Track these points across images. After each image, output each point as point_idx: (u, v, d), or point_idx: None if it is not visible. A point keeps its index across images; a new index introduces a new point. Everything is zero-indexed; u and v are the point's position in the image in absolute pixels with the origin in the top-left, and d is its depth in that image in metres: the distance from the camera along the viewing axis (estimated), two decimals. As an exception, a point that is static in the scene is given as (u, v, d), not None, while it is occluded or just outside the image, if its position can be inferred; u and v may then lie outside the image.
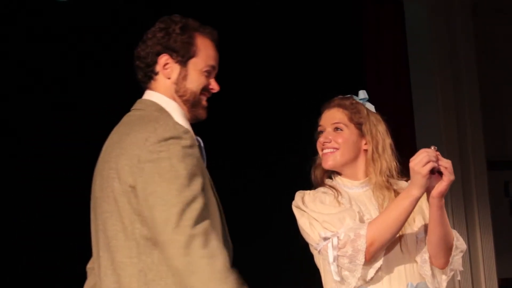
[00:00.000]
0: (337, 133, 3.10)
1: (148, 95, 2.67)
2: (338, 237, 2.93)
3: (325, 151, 3.11)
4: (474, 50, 5.82)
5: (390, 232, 2.92)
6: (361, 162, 3.13)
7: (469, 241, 5.55)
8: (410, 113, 5.58)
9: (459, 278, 3.10)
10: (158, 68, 2.65)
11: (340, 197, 3.07)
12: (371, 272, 2.96)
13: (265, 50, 5.03)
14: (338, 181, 3.16)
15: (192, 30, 2.67)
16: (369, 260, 2.93)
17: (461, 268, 3.07)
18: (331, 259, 2.92)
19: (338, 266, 2.93)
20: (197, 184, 2.44)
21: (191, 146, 2.48)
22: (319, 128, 3.16)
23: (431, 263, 3.01)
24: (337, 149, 3.09)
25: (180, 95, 2.65)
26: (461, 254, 3.04)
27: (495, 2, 6.03)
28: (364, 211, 3.07)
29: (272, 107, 5.04)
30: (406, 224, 3.02)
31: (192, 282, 2.37)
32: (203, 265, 2.36)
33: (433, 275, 3.03)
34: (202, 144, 2.64)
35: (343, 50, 5.46)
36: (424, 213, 3.08)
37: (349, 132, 3.09)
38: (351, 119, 3.11)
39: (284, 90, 5.06)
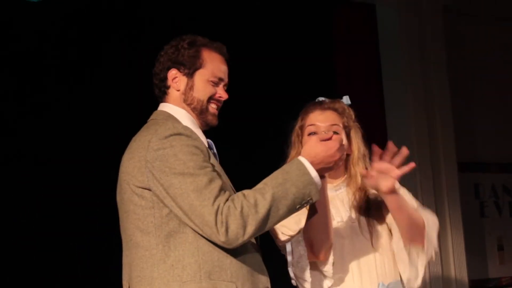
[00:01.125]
0: (334, 136, 3.13)
1: (161, 106, 2.91)
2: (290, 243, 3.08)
3: None
4: (445, 53, 5.86)
5: (319, 230, 2.99)
6: (343, 165, 3.18)
7: (440, 242, 5.55)
8: (381, 116, 5.60)
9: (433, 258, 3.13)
10: (169, 82, 2.88)
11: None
12: (329, 268, 3.04)
13: (237, 49, 5.02)
14: None
15: (199, 45, 2.90)
16: (323, 258, 3.03)
17: (436, 247, 3.13)
18: (288, 264, 3.08)
19: (292, 271, 3.06)
20: (208, 169, 2.63)
21: (193, 140, 2.68)
22: (312, 129, 3.18)
23: (410, 245, 3.05)
24: None
25: (188, 103, 2.86)
26: (435, 228, 3.12)
27: (465, 5, 6.07)
28: (335, 214, 3.15)
29: (239, 107, 5.02)
30: (376, 220, 3.08)
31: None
32: (240, 228, 2.57)
33: (411, 261, 3.06)
34: (213, 147, 2.90)
35: (314, 52, 5.46)
36: None
37: (341, 135, 3.14)
38: (343, 124, 3.19)
39: (251, 91, 5.05)
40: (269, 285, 2.77)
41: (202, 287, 2.61)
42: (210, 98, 2.86)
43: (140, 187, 2.68)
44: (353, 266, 3.11)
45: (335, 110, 3.21)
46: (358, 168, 3.18)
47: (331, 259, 3.04)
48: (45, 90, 4.61)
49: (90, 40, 4.72)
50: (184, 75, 2.86)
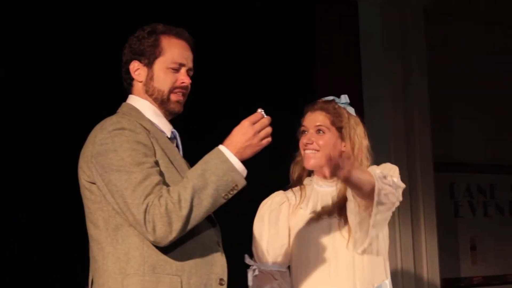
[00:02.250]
0: (319, 135, 3.27)
1: (128, 98, 2.89)
2: (254, 270, 3.26)
3: (307, 151, 3.29)
4: (425, 53, 5.89)
5: None
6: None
7: (414, 241, 5.61)
8: (360, 114, 5.60)
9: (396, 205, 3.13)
10: (132, 74, 2.86)
11: (304, 202, 3.28)
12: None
13: (217, 47, 5.02)
14: (312, 179, 3.37)
15: (158, 33, 2.86)
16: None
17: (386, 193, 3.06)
18: (250, 283, 3.24)
19: None
20: (145, 166, 2.60)
21: (136, 134, 2.65)
22: (302, 128, 3.34)
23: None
24: (318, 150, 3.26)
25: (149, 94, 2.84)
26: (383, 180, 3.05)
27: (446, 5, 6.10)
28: (322, 211, 3.24)
29: (218, 102, 5.03)
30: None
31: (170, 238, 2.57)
32: (165, 229, 2.55)
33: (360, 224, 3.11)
34: (177, 136, 2.87)
35: (295, 50, 5.47)
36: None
37: (330, 135, 3.27)
38: (332, 123, 3.28)
39: (232, 88, 5.05)
40: (225, 276, 2.74)
41: (145, 280, 2.60)
42: (172, 88, 2.83)
43: (88, 182, 2.69)
44: (331, 265, 3.15)
45: (324, 109, 3.31)
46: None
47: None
48: (46, 87, 4.60)
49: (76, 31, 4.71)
50: (144, 65, 2.84)
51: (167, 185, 2.63)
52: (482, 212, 6.49)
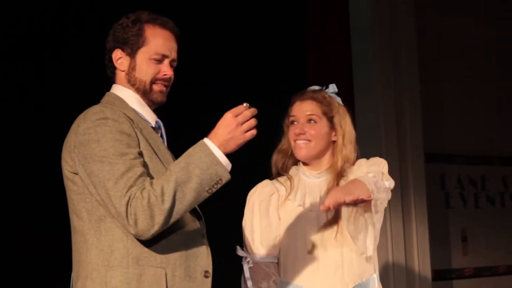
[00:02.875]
0: (311, 125, 3.23)
1: (112, 88, 2.84)
2: (248, 261, 3.23)
3: (298, 142, 3.25)
4: (416, 44, 5.87)
5: None
6: (328, 152, 3.25)
7: (405, 232, 5.60)
8: (350, 105, 5.59)
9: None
10: (114, 63, 2.81)
11: (292, 194, 3.24)
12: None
13: (206, 36, 5.00)
14: (299, 169, 3.32)
15: (142, 22, 2.80)
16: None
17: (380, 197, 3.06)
18: (246, 274, 3.22)
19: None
20: (128, 157, 2.56)
21: (119, 124, 2.61)
22: (292, 118, 3.28)
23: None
24: (310, 140, 3.23)
25: (132, 84, 2.79)
26: (378, 189, 3.04)
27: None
28: (310, 204, 3.22)
29: (204, 93, 5.00)
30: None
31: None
32: (147, 223, 2.51)
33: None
34: (161, 126, 2.83)
35: (285, 38, 5.45)
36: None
37: (321, 124, 3.24)
38: (324, 112, 3.25)
39: (220, 77, 5.04)
40: (210, 268, 2.71)
41: (129, 272, 2.57)
42: (154, 79, 2.78)
43: (71, 172, 2.65)
44: (319, 259, 3.14)
45: (314, 99, 3.26)
46: (341, 155, 3.23)
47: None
48: (50, 87, 4.57)
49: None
50: (127, 55, 2.78)
51: (151, 176, 2.60)
52: (473, 204, 6.49)
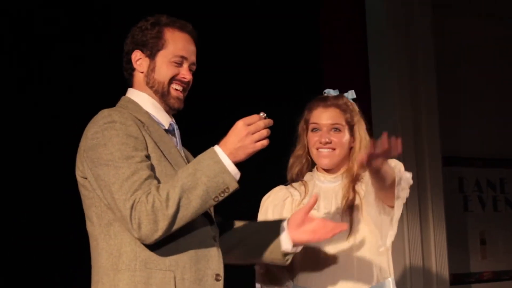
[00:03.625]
0: (336, 133, 3.23)
1: (127, 92, 2.85)
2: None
3: (321, 150, 3.24)
4: (433, 47, 5.85)
5: None
6: (346, 158, 3.26)
7: (422, 236, 5.58)
8: (367, 108, 5.58)
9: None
10: (133, 64, 2.82)
11: (306, 198, 3.22)
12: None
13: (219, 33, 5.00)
14: (314, 174, 3.31)
15: (162, 25, 2.82)
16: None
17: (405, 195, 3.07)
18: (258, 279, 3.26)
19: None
20: (134, 160, 2.57)
21: (127, 127, 2.62)
22: (314, 126, 3.26)
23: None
24: (334, 149, 3.22)
25: (150, 86, 2.80)
26: (405, 185, 3.05)
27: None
28: (323, 206, 3.21)
29: (221, 97, 4.99)
30: (360, 218, 3.12)
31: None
32: (151, 226, 2.51)
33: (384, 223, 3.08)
34: (175, 128, 2.82)
35: (301, 42, 5.44)
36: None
37: (344, 132, 3.24)
38: (346, 121, 3.24)
39: (236, 81, 5.03)
40: (221, 272, 2.69)
41: (136, 275, 2.57)
42: (172, 79, 2.79)
43: (82, 177, 2.67)
44: (331, 263, 3.13)
45: (338, 106, 3.25)
46: (354, 164, 3.23)
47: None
48: (47, 87, 4.58)
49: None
50: (147, 56, 2.80)
51: (158, 180, 2.60)
52: (492, 207, 6.46)
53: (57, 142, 4.44)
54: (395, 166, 3.01)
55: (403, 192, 3.01)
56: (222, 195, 2.56)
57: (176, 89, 2.80)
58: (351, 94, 3.34)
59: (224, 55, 4.95)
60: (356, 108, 3.30)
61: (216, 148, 2.58)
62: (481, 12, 6.34)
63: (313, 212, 3.17)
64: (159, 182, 2.58)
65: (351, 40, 5.68)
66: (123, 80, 2.90)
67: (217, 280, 2.68)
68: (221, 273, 2.70)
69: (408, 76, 5.69)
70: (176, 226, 2.53)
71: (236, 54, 5.07)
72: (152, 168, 2.61)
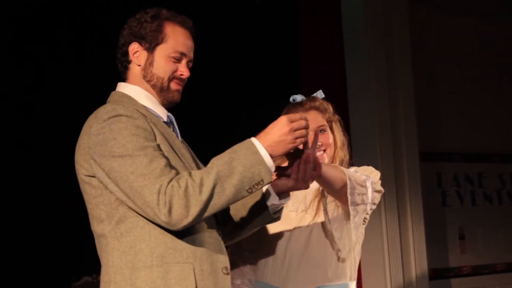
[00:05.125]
0: (321, 135, 3.21)
1: (118, 86, 2.79)
2: None
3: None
4: (409, 41, 5.85)
5: None
6: (327, 157, 3.25)
7: (401, 231, 5.58)
8: (344, 104, 5.59)
9: (369, 212, 3.07)
10: (130, 56, 2.75)
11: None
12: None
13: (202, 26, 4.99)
14: None
15: (162, 19, 2.75)
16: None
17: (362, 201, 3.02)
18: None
19: None
20: (149, 150, 2.51)
21: (133, 119, 2.56)
22: None
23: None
24: (324, 150, 3.21)
25: (147, 80, 2.74)
26: (362, 190, 3.01)
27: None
28: (291, 204, 3.19)
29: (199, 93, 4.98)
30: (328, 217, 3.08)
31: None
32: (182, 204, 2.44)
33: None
34: (173, 120, 2.77)
35: (278, 40, 5.43)
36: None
37: (328, 132, 3.25)
38: (327, 120, 3.25)
39: (214, 79, 5.02)
40: (228, 265, 2.65)
41: (153, 271, 2.50)
42: (172, 76, 2.73)
43: (87, 176, 2.58)
44: (294, 260, 3.12)
45: (317, 108, 3.25)
46: (338, 158, 3.24)
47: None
48: (44, 88, 4.55)
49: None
50: (145, 49, 2.73)
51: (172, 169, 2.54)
52: (470, 201, 6.47)
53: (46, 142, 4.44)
54: (350, 172, 2.97)
55: (360, 197, 2.98)
56: (256, 187, 2.51)
57: (176, 84, 2.75)
58: (320, 94, 3.33)
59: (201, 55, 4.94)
60: (331, 107, 3.29)
61: (253, 139, 2.54)
62: (459, 7, 6.36)
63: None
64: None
65: (327, 36, 5.68)
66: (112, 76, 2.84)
67: (227, 274, 2.65)
68: (229, 266, 2.66)
69: (385, 72, 5.69)
70: (207, 213, 2.47)
71: (213, 55, 5.06)
72: (165, 157, 2.55)
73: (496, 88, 6.57)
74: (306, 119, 2.56)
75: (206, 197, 2.45)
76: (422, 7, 6.12)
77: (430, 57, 6.23)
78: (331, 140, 3.23)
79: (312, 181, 2.70)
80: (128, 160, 2.48)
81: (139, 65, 2.74)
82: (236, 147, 2.54)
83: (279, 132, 2.54)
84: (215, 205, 2.47)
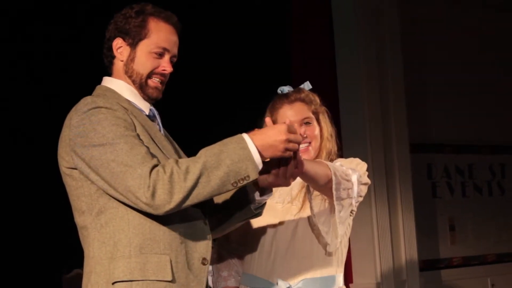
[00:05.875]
0: (307, 127, 3.19)
1: (102, 81, 2.81)
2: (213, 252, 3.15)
3: (301, 145, 3.16)
4: (400, 35, 5.85)
5: None
6: (317, 150, 3.23)
7: (391, 223, 5.59)
8: (335, 96, 5.58)
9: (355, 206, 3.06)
10: (114, 51, 2.77)
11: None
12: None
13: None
14: None
15: (146, 14, 2.76)
16: None
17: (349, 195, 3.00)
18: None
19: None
20: (129, 138, 2.53)
21: (113, 111, 2.57)
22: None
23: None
24: (310, 143, 3.18)
25: (129, 75, 2.75)
26: (341, 174, 2.98)
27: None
28: (277, 196, 3.18)
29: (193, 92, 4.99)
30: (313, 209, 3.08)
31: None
32: (165, 186, 2.46)
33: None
34: (156, 114, 2.79)
35: (269, 33, 5.43)
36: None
37: (314, 124, 3.21)
38: (313, 112, 3.21)
39: (205, 71, 5.01)
40: (207, 255, 2.65)
41: (131, 261, 2.52)
42: (152, 73, 2.74)
43: (68, 168, 2.60)
44: (279, 252, 3.11)
45: (302, 100, 3.22)
46: (326, 150, 3.21)
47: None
48: (47, 85, 4.53)
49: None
50: (128, 45, 2.74)
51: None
52: (460, 193, 6.49)
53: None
54: (335, 167, 2.95)
55: (345, 192, 2.97)
56: (241, 182, 2.51)
57: (154, 81, 2.75)
58: (307, 85, 3.32)
59: (190, 48, 4.94)
60: (317, 98, 3.28)
61: (245, 135, 2.55)
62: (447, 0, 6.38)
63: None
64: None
65: (317, 29, 5.67)
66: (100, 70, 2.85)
67: (203, 264, 2.64)
68: (208, 257, 2.66)
69: (375, 63, 5.69)
70: (189, 202, 2.48)
71: (203, 47, 5.06)
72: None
73: (486, 80, 6.58)
74: (303, 137, 2.56)
75: (191, 185, 2.46)
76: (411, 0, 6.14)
77: (420, 49, 6.23)
78: (316, 132, 3.20)
79: (294, 179, 2.70)
80: (109, 148, 2.50)
81: (122, 61, 2.76)
82: (226, 140, 2.55)
83: (274, 137, 2.54)
84: (199, 195, 2.48)
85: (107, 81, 2.79)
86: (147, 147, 2.56)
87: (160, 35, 2.74)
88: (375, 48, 5.69)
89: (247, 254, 3.20)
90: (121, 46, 2.75)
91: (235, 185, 2.52)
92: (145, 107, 2.76)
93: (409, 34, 6.04)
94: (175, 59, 2.80)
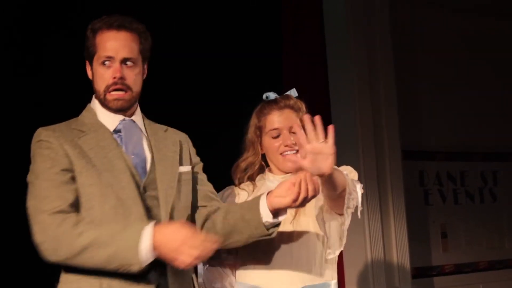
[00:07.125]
0: (295, 135, 3.15)
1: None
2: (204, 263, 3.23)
3: (288, 153, 3.19)
4: (390, 38, 5.85)
5: None
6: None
7: (383, 230, 5.58)
8: (326, 101, 5.58)
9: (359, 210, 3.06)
10: (88, 74, 2.85)
11: (252, 195, 3.18)
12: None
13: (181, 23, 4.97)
14: (265, 176, 3.28)
15: (95, 29, 2.78)
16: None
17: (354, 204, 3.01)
18: (199, 277, 3.21)
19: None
20: (51, 175, 2.66)
21: (49, 144, 2.70)
22: (276, 132, 3.21)
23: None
24: (297, 151, 3.16)
25: (95, 95, 2.82)
26: (356, 195, 2.99)
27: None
28: None
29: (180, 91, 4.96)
30: (305, 217, 3.11)
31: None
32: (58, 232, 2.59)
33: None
34: (123, 129, 2.78)
35: (260, 37, 5.41)
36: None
37: (302, 132, 3.15)
38: (300, 119, 3.18)
39: (194, 74, 4.99)
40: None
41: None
42: (107, 87, 2.76)
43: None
44: (273, 259, 3.10)
45: (291, 107, 3.23)
46: None
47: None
48: (49, 85, 4.53)
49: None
50: (90, 65, 2.82)
51: (83, 189, 2.66)
52: (452, 200, 6.49)
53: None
54: (347, 175, 2.96)
55: (353, 202, 2.97)
56: (125, 269, 2.55)
57: (111, 94, 2.76)
58: (293, 92, 3.32)
59: (180, 50, 4.93)
60: (304, 106, 3.27)
61: (149, 229, 2.54)
62: (440, 2, 6.36)
63: None
64: (81, 192, 2.66)
65: (309, 33, 5.66)
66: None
67: None
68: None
69: (367, 69, 5.68)
70: (75, 263, 2.59)
71: (193, 49, 5.04)
72: (71, 182, 2.67)
73: (479, 87, 6.58)
74: (214, 245, 2.53)
75: (76, 252, 2.57)
76: (402, 4, 6.12)
77: (411, 55, 6.23)
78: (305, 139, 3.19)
79: (309, 201, 2.74)
80: (31, 187, 2.68)
81: (92, 81, 2.83)
82: (134, 224, 2.60)
83: (180, 241, 2.51)
84: (84, 262, 2.58)
85: (92, 100, 2.87)
86: (76, 181, 2.66)
87: (104, 46, 2.75)
88: (366, 54, 5.68)
89: (240, 263, 3.18)
90: (88, 68, 2.82)
91: (119, 268, 2.56)
92: (114, 122, 2.79)
93: (401, 40, 6.04)
94: (130, 61, 2.76)
